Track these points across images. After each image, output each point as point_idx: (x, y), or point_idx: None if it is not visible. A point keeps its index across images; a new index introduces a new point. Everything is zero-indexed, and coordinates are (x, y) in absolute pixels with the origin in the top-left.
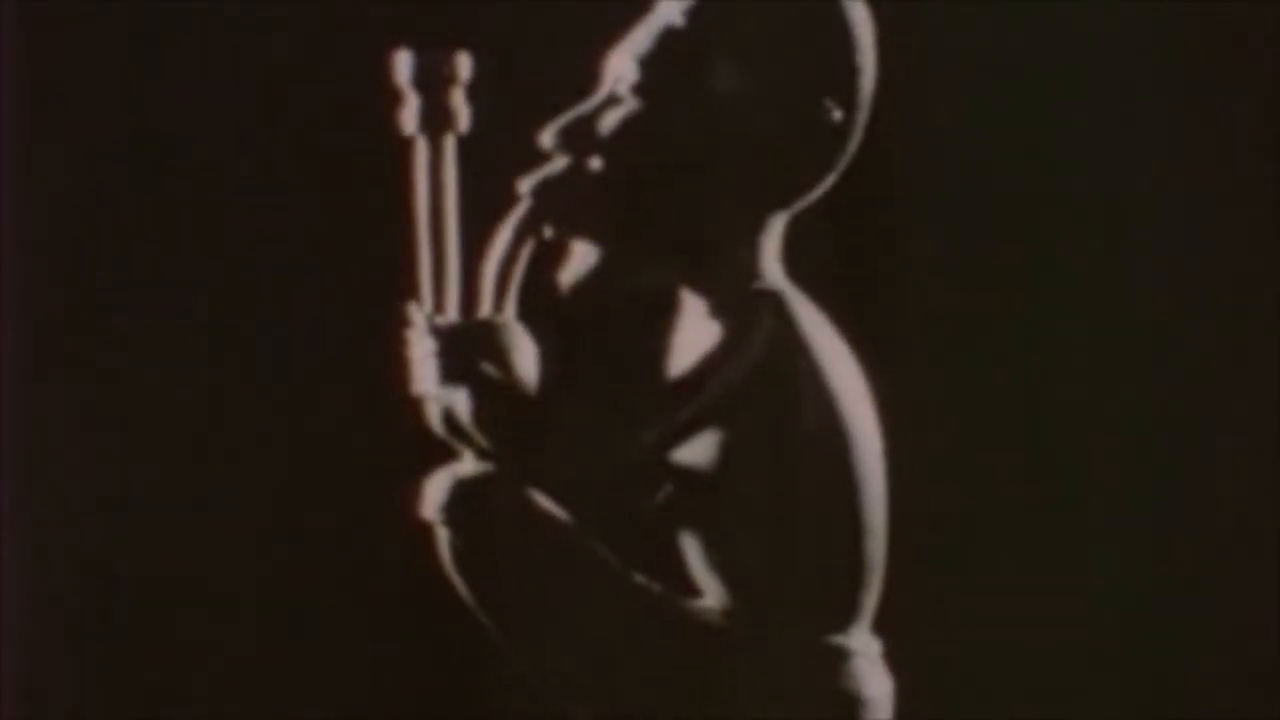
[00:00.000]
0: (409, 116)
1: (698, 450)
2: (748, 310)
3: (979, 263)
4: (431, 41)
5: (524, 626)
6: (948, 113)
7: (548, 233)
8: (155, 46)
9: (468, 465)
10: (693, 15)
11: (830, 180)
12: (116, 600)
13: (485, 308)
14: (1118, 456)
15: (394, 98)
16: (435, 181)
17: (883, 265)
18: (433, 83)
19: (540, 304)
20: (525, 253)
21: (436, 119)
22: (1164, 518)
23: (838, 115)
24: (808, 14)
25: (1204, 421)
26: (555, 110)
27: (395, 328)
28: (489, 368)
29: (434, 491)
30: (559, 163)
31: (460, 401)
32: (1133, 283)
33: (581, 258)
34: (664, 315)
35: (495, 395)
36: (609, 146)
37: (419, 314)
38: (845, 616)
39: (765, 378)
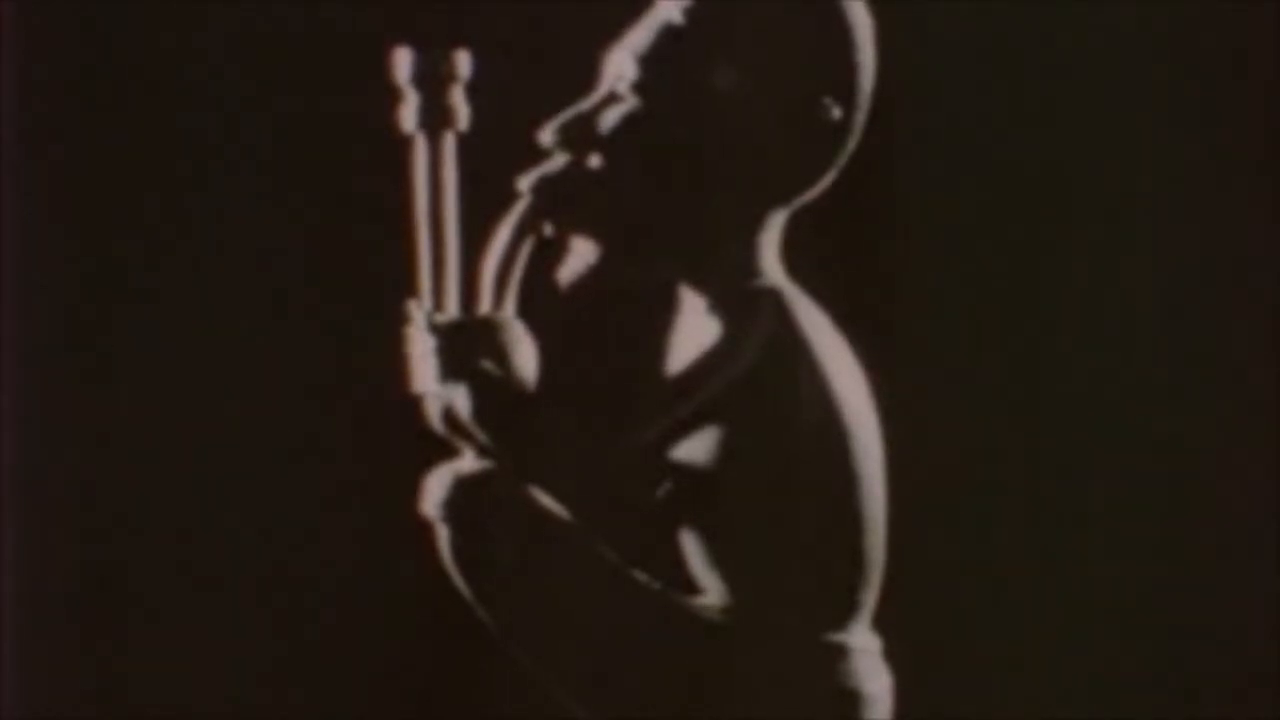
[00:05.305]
0: (408, 114)
1: (697, 447)
2: (747, 307)
3: (978, 260)
4: (431, 39)
5: (523, 623)
6: (947, 111)
7: (547, 230)
8: (154, 45)
9: (467, 462)
10: (692, 13)
11: (829, 178)
12: (116, 597)
13: (485, 305)
14: (1118, 454)
15: (393, 96)
16: (435, 179)
17: (882, 263)
18: (432, 80)
19: (540, 301)
20: (525, 250)
21: (436, 117)
22: (1165, 516)
23: (837, 113)
24: (807, 12)
25: (1205, 420)
26: (555, 108)
27: (395, 325)
28: (489, 365)
29: (434, 488)
30: (558, 160)
31: (460, 399)
32: (1134, 281)
33: (581, 255)
34: (663, 312)
35: (495, 392)
36: (608, 144)
37: (419, 311)
38: (845, 613)
39: (764, 375)
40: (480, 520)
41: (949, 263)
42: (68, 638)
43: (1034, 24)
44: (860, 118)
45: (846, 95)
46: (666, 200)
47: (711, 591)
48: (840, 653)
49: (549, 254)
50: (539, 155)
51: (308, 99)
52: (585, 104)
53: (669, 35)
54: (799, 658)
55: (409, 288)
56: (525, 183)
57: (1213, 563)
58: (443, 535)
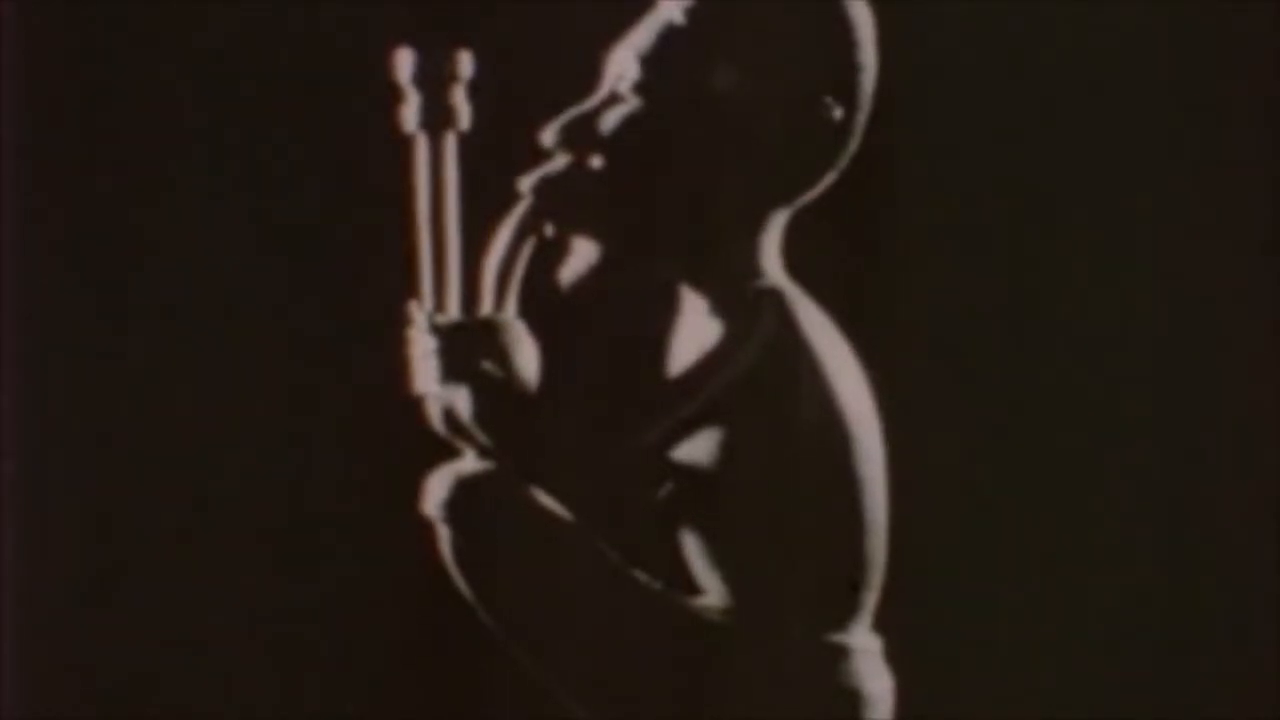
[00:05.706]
0: (410, 114)
1: (698, 448)
2: (748, 308)
3: (979, 261)
4: (432, 39)
5: (525, 624)
6: (948, 110)
7: (549, 231)
8: (154, 45)
9: (468, 463)
10: (694, 13)
11: (831, 178)
12: (116, 597)
13: (486, 306)
14: (1119, 455)
15: (395, 95)
16: (436, 179)
17: (883, 263)
18: (433, 80)
19: (541, 302)
20: (526, 251)
21: (437, 117)
22: (1165, 517)
23: (838, 113)
24: (809, 12)
25: (1206, 421)
26: (556, 108)
27: (396, 326)
28: (490, 366)
29: (435, 489)
30: (560, 161)
31: (461, 400)
32: (1134, 282)
33: (582, 256)
34: (665, 313)
35: (496, 393)
36: (610, 144)
37: (420, 312)
38: (846, 614)
39: (766, 375)
40: (481, 521)
41: (950, 263)
42: (68, 638)
43: (1034, 24)
44: (861, 118)
45: (848, 95)
46: (667, 200)
47: (712, 592)
48: (841, 653)
49: (550, 254)
50: (540, 155)
51: (308, 99)
52: (587, 104)
53: (670, 35)
54: (800, 658)
55: (410, 288)
56: (526, 183)
57: (1213, 563)
58: (444, 536)
